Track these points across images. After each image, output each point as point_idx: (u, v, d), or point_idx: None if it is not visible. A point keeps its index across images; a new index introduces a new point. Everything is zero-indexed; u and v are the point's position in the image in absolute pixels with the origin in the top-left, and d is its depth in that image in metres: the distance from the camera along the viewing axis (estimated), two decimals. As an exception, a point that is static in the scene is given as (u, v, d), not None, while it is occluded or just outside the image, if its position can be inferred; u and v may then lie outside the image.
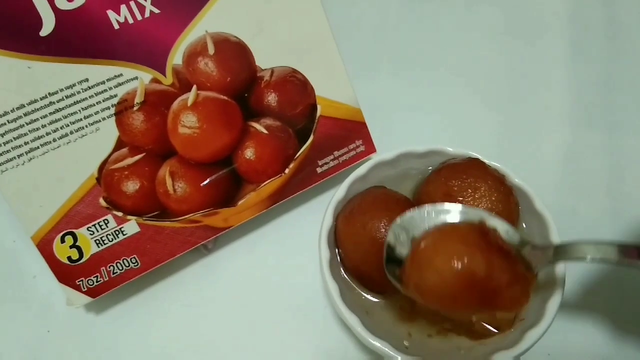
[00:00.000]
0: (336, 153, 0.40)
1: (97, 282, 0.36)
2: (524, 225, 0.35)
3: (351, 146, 0.41)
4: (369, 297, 0.34)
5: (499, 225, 0.31)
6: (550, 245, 0.31)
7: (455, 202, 0.33)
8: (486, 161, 0.35)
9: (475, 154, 0.36)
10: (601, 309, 0.38)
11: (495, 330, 0.32)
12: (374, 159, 0.37)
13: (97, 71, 0.34)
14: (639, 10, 0.52)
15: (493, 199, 0.33)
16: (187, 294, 0.39)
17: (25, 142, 0.33)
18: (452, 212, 0.31)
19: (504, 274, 0.28)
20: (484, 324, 0.33)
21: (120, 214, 0.36)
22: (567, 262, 0.31)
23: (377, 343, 0.30)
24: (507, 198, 0.33)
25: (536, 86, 0.49)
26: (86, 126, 0.34)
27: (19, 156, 0.33)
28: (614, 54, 0.50)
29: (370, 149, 0.41)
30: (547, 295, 0.31)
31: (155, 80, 0.35)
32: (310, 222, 0.38)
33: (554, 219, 0.34)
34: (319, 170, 0.40)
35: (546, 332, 0.30)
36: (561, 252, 0.29)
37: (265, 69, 0.38)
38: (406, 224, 0.31)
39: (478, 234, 0.29)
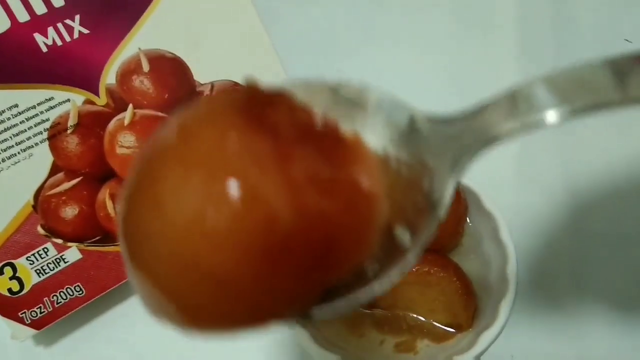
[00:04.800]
0: (286, 164, 0.40)
1: (41, 313, 0.35)
2: (469, 222, 0.35)
3: (301, 157, 0.40)
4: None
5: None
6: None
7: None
8: None
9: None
10: (564, 309, 0.37)
11: (453, 331, 0.31)
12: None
13: (27, 96, 0.33)
14: (587, 8, 0.53)
15: None
16: (139, 321, 0.38)
17: (-45, 173, 0.32)
18: None
19: (329, 188, 0.15)
20: (441, 326, 0.32)
21: (60, 241, 0.34)
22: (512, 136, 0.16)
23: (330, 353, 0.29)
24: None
25: (486, 86, 0.48)
26: (18, 152, 0.33)
27: (-52, 188, 0.32)
28: (563, 52, 0.50)
29: (321, 158, 0.41)
30: (500, 295, 0.31)
31: (88, 102, 0.34)
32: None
33: (511, 217, 0.33)
34: (269, 183, 0.39)
35: (501, 332, 0.29)
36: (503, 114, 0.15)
37: (205, 84, 0.37)
38: None
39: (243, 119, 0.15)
